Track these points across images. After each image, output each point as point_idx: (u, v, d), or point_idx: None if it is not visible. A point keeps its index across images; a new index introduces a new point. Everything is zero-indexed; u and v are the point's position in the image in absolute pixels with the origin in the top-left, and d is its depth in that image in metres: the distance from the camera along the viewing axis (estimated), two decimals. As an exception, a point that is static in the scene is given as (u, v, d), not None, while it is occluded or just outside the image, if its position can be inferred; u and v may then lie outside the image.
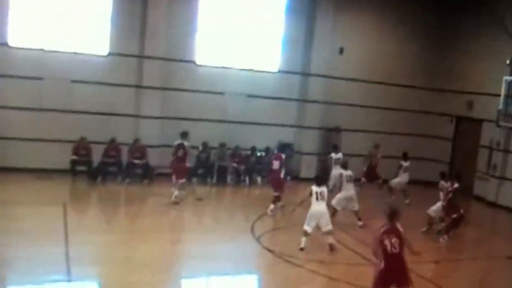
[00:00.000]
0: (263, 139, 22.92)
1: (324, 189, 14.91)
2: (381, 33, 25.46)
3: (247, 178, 22.39)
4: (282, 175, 18.15)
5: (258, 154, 22.98)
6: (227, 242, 15.00)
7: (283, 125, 24.08)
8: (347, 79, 24.71)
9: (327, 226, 14.58)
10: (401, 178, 21.35)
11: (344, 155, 21.47)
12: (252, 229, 15.87)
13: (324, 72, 24.13)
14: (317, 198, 14.58)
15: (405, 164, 21.45)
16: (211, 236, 15.44)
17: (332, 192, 17.60)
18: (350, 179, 17.49)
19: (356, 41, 25.06)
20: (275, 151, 19.95)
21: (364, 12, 25.06)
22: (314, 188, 14.71)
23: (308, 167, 23.76)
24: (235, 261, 13.62)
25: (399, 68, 25.74)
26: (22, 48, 20.53)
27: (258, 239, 15.10)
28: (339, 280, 12.59)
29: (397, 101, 25.74)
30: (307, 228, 14.47)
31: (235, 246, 14.76)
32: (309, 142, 24.29)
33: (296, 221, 15.57)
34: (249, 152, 22.79)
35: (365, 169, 22.01)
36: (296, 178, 23.27)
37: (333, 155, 21.62)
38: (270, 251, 14.25)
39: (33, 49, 20.63)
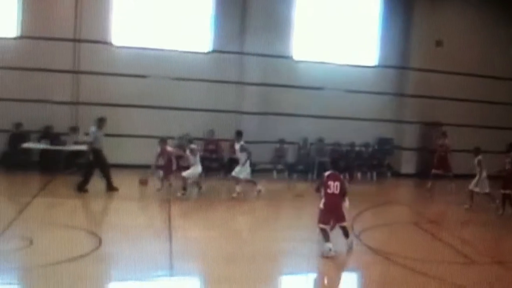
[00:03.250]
0: (362, 135, 22.89)
1: None
2: (482, 23, 24.39)
3: (346, 174, 21.70)
4: (345, 203, 13.53)
5: (357, 149, 22.89)
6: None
7: (382, 120, 23.65)
8: (446, 72, 23.68)
9: None
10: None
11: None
12: (351, 226, 15.08)
13: (423, 65, 23.55)
14: None
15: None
16: (310, 233, 14.68)
17: None
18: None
19: (455, 32, 23.98)
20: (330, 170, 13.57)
21: (464, 2, 24.18)
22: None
23: (408, 163, 23.48)
24: (335, 258, 13.11)
25: (501, 60, 24.42)
26: (125, 47, 21.08)
27: (357, 236, 14.57)
28: (440, 278, 12.02)
29: (501, 94, 24.52)
30: None
31: (334, 244, 13.80)
32: (409, 137, 23.88)
33: (397, 218, 15.64)
34: (348, 148, 22.69)
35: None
36: (397, 173, 23.08)
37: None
38: (369, 248, 13.88)
39: (137, 48, 21.12)
